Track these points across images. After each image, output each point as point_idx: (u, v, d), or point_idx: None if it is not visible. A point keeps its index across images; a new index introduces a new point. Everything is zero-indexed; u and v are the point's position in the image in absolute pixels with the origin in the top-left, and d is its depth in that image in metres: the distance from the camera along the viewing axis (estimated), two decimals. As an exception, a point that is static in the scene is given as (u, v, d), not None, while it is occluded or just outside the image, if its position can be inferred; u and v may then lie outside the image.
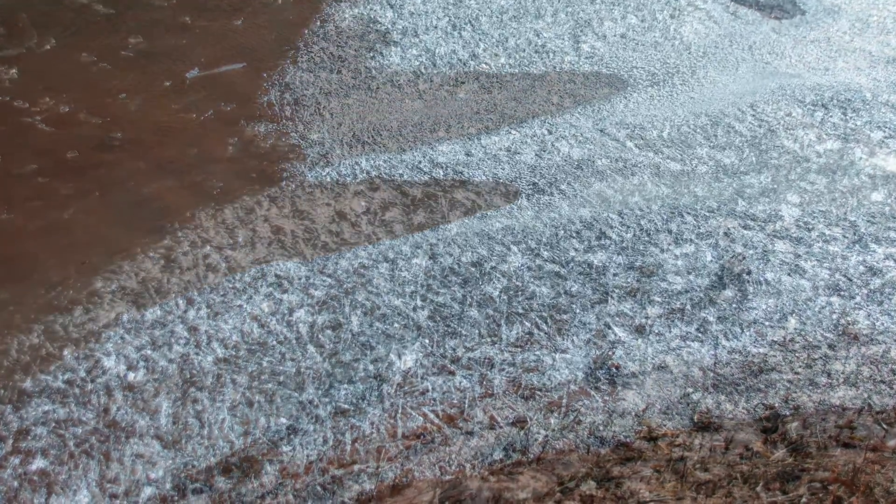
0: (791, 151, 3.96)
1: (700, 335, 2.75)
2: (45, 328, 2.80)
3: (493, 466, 2.07)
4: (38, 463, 2.30)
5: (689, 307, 2.88)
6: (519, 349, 2.70)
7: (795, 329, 2.78)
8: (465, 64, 4.95)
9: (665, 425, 2.24)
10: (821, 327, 2.79)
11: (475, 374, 2.60)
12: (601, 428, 2.29)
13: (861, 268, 3.10)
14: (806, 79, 4.80)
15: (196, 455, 2.34)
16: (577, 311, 2.87)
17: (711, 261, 3.14)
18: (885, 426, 2.09)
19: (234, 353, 2.72)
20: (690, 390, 2.42)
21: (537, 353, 2.68)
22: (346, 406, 2.49)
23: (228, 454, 2.33)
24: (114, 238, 3.31)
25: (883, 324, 2.79)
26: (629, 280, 3.03)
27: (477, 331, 2.78)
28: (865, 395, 2.33)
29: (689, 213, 3.47)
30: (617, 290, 2.97)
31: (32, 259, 3.17)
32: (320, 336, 2.79)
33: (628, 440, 2.19)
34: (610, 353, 2.66)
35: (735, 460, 1.89)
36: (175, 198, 3.60)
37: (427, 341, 2.75)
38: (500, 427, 2.31)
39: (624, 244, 3.26)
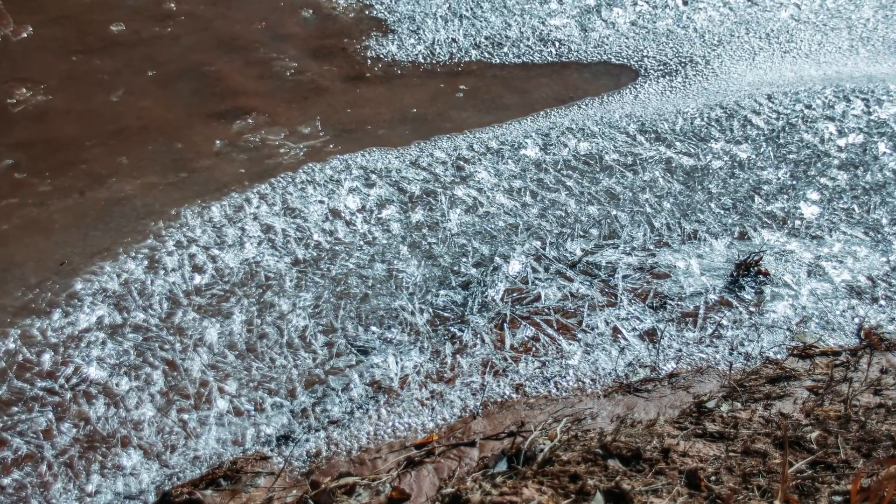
0: (811, 146, 3.97)
1: (715, 341, 2.76)
2: (22, 332, 2.81)
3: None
4: (15, 475, 2.31)
5: (702, 311, 2.89)
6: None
7: (815, 333, 2.78)
8: (466, 53, 4.95)
9: (677, 434, 2.25)
10: (842, 332, 2.80)
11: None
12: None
13: (885, 269, 3.10)
14: (826, 69, 4.81)
15: (182, 466, 2.35)
16: (586, 312, 2.88)
17: (726, 262, 3.14)
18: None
19: (220, 359, 2.72)
20: (705, 398, 2.43)
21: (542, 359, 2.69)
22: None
23: (216, 465, 2.33)
24: (95, 238, 3.32)
25: (908, 328, 2.79)
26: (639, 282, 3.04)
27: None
28: (890, 403, 2.34)
29: (703, 211, 3.48)
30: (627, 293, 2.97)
31: (8, 260, 3.18)
32: (312, 341, 2.80)
33: (638, 446, 2.21)
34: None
35: (751, 472, 1.90)
36: (159, 195, 3.60)
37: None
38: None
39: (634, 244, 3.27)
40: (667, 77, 4.73)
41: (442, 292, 3.03)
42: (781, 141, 4.01)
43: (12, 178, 3.67)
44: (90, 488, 2.28)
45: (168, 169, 3.79)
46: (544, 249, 3.25)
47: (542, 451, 2.08)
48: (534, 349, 2.74)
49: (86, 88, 4.41)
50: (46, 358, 2.71)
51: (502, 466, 2.09)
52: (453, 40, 5.06)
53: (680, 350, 2.73)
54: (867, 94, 4.35)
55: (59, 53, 4.71)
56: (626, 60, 4.91)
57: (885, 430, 2.09)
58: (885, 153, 3.89)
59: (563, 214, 3.47)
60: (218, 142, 4.00)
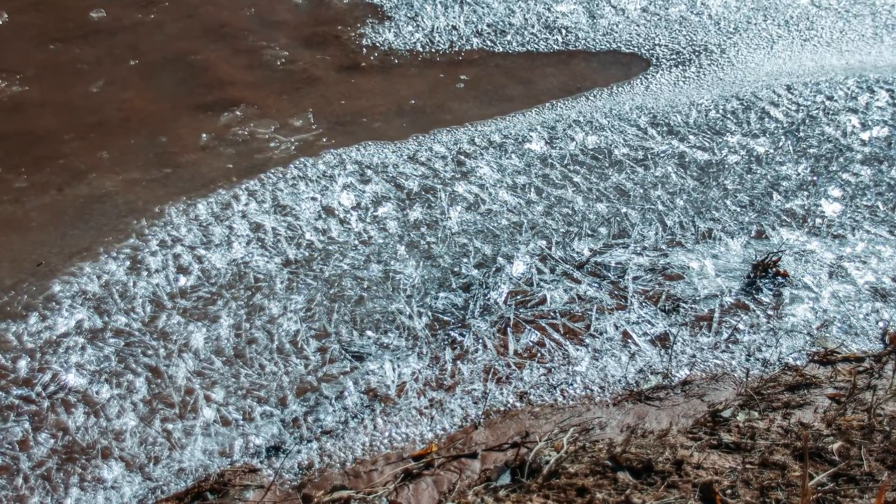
0: (832, 139, 3.97)
1: (731, 346, 2.76)
2: (-3, 337, 2.81)
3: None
4: (-11, 488, 2.31)
5: (717, 314, 2.89)
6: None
7: (837, 338, 2.78)
8: (467, 41, 4.95)
9: (691, 445, 2.25)
10: (866, 336, 2.80)
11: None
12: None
13: (911, 269, 3.11)
14: (849, 58, 4.81)
15: (166, 479, 2.35)
16: (594, 316, 2.88)
17: (742, 262, 3.14)
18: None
19: (207, 365, 2.72)
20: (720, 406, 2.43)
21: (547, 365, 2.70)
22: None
23: (202, 478, 2.33)
24: (73, 237, 3.32)
25: (935, 332, 2.79)
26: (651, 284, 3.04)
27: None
28: (916, 413, 2.34)
29: (718, 208, 3.48)
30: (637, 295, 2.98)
31: (-18, 260, 3.18)
32: (304, 347, 2.80)
33: (649, 458, 2.20)
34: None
35: (770, 485, 1.90)
36: (142, 192, 3.60)
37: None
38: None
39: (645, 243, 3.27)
40: (680, 67, 4.73)
41: (441, 295, 3.03)
42: (801, 134, 4.01)
43: (-14, 174, 3.68)
44: (69, 502, 2.28)
45: (151, 164, 3.79)
46: (550, 249, 3.25)
47: (547, 462, 2.08)
48: (539, 355, 2.74)
49: (64, 78, 4.41)
50: (23, 364, 2.71)
51: (505, 479, 2.10)
52: (453, 27, 5.06)
53: (694, 356, 2.73)
54: (892, 85, 4.35)
55: (36, 41, 4.71)
56: (636, 49, 4.91)
57: (911, 440, 2.09)
58: (910, 147, 3.89)
59: (570, 212, 3.47)
60: (204, 135, 4.00)
